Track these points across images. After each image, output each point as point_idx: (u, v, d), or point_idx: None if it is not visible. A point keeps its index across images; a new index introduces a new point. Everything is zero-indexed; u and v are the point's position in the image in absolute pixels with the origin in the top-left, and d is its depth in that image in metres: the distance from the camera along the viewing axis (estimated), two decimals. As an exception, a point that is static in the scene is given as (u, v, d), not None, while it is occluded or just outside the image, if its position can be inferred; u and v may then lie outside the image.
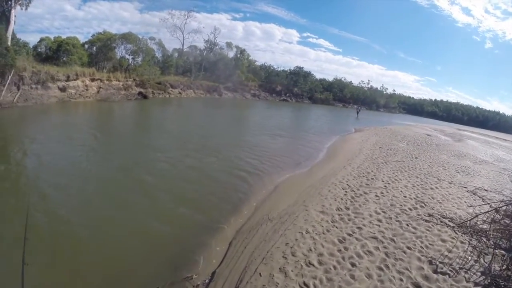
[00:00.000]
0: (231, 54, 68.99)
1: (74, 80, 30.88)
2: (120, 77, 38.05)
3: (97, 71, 35.97)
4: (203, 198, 10.23)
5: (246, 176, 12.81)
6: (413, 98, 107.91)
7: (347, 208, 9.67)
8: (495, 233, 8.86)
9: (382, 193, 11.31)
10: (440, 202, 10.98)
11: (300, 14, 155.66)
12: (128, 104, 32.91)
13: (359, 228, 8.35)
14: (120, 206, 9.01)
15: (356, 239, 7.75)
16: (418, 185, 12.78)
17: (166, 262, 6.66)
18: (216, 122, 28.59)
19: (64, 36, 41.27)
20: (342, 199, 10.47)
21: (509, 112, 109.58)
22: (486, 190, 13.44)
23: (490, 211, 9.89)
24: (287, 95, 74.05)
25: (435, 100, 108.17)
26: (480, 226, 9.14)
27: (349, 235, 7.93)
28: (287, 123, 33.82)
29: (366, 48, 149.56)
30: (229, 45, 69.50)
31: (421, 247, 7.67)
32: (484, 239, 8.52)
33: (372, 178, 13.12)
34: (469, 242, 8.25)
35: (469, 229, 8.94)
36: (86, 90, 32.08)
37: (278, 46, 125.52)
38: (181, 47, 64.31)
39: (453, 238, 8.36)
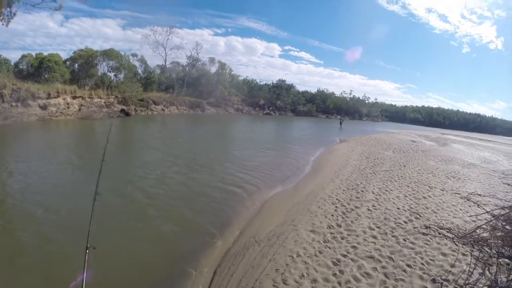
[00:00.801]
0: (213, 69, 69.06)
1: (55, 97, 30.31)
2: (102, 94, 37.43)
3: (78, 88, 35.48)
4: (191, 218, 9.58)
5: (234, 193, 12.21)
6: (395, 105, 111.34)
7: (339, 225, 9.02)
8: (496, 241, 8.33)
9: (374, 206, 10.72)
10: (435, 212, 10.43)
11: (281, 28, 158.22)
12: (109, 122, 31.72)
13: (354, 247, 7.69)
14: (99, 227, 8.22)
15: (352, 260, 7.09)
16: (410, 195, 12.24)
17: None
18: (202, 137, 27.73)
19: (46, 53, 40.93)
20: (332, 215, 9.82)
21: (489, 113, 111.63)
22: (480, 195, 13.00)
23: (491, 220, 9.40)
24: (270, 108, 74.22)
25: (417, 106, 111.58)
26: (480, 234, 8.57)
27: (344, 255, 7.26)
28: (271, 136, 33.16)
29: (346, 59, 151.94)
30: (212, 60, 69.20)
31: (422, 263, 7.06)
32: (486, 249, 7.97)
33: (362, 191, 12.54)
34: (471, 253, 7.68)
35: (469, 239, 8.38)
36: (68, 108, 31.36)
37: (260, 60, 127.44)
38: (164, 63, 64.03)
39: (454, 250, 7.77)
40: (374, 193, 12.24)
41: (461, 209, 10.94)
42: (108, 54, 44.37)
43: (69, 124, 27.88)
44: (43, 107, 28.37)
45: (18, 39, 78.83)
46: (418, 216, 9.91)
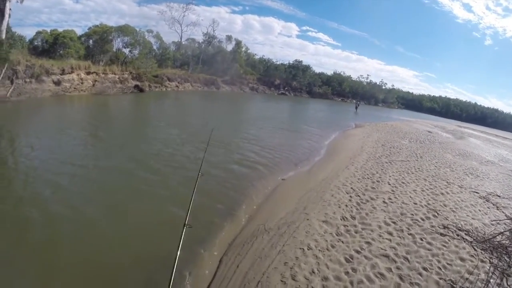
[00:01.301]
0: (230, 47, 67.70)
1: (69, 73, 29.63)
2: (116, 70, 36.79)
3: (93, 64, 34.78)
4: (200, 200, 9.19)
5: (246, 175, 11.93)
6: (412, 93, 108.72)
7: (353, 218, 8.68)
8: (516, 250, 7.94)
9: (390, 198, 10.34)
10: (453, 211, 10.02)
11: (300, 7, 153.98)
12: (124, 97, 31.50)
13: (368, 243, 7.36)
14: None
15: (365, 257, 6.77)
16: (427, 190, 11.82)
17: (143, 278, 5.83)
18: (217, 115, 27.35)
19: (61, 30, 40.08)
20: (347, 205, 9.47)
21: (507, 110, 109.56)
22: (499, 196, 12.54)
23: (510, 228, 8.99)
24: (286, 88, 73.01)
25: (434, 96, 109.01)
26: (500, 241, 8.17)
27: (357, 252, 6.94)
28: (286, 117, 32.74)
29: (365, 42, 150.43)
30: (228, 38, 68.09)
31: (439, 267, 6.73)
32: (506, 257, 7.59)
33: (377, 181, 12.14)
34: (489, 260, 7.32)
35: (488, 245, 8.00)
36: (82, 83, 30.80)
37: (277, 39, 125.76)
38: (179, 40, 62.89)
39: (472, 256, 7.42)
40: (390, 185, 11.84)
41: (480, 210, 10.51)
42: (123, 30, 43.61)
43: (83, 100, 27.53)
44: (57, 83, 27.83)
45: (34, 16, 78.80)
46: (436, 214, 9.52)
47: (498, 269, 7.05)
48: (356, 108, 53.00)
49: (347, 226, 8.13)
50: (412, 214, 9.26)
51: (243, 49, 70.36)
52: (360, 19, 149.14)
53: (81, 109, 23.93)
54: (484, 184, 14.12)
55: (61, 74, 28.54)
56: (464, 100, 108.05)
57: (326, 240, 7.31)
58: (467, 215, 9.86)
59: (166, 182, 10.17)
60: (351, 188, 11.04)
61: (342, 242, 7.31)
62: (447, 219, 9.26)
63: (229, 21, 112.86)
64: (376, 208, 9.47)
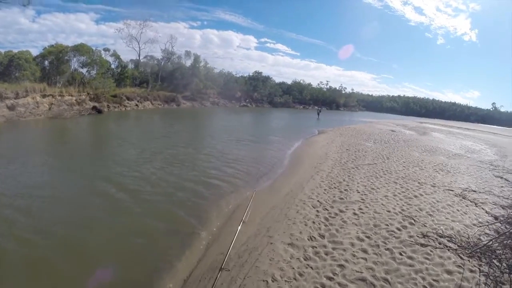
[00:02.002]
0: (189, 62, 66.19)
1: (24, 97, 28.32)
2: (73, 92, 35.35)
3: (49, 86, 33.45)
4: (154, 227, 8.34)
5: (205, 194, 10.92)
6: (371, 95, 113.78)
7: (322, 236, 7.55)
8: (505, 252, 7.04)
9: (360, 209, 9.31)
10: (430, 215, 9.09)
11: (257, 20, 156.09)
12: (82, 120, 29.60)
13: (341, 266, 6.23)
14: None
15: (339, 284, 5.65)
16: (399, 194, 10.89)
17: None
18: (177, 133, 25.61)
19: (16, 51, 38.98)
20: (314, 222, 8.35)
21: (463, 102, 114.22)
22: (475, 191, 11.79)
23: (493, 223, 8.19)
24: (247, 100, 72.90)
25: (393, 96, 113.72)
26: (487, 244, 7.26)
27: (330, 279, 5.82)
28: (248, 129, 31.42)
29: (323, 50, 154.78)
30: (187, 53, 66.31)
31: (424, 286, 5.68)
32: (496, 262, 6.66)
33: (345, 189, 11.13)
34: (479, 269, 6.38)
35: (475, 250, 7.07)
36: (37, 107, 29.16)
37: (236, 52, 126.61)
38: (138, 58, 61.23)
39: (459, 266, 6.45)
40: (359, 192, 10.84)
41: (458, 210, 9.64)
42: (79, 49, 42.00)
43: (38, 125, 25.44)
44: (11, 108, 26.36)
45: None
46: (413, 221, 8.53)
47: (490, 277, 6.14)
48: (318, 114, 52.77)
49: (316, 247, 6.99)
50: (387, 225, 8.24)
51: (202, 63, 69.15)
52: (317, 28, 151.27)
53: (35, 135, 21.91)
54: (457, 180, 13.41)
55: (15, 98, 27.08)
56: (422, 97, 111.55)
57: (293, 268, 6.14)
58: (446, 218, 8.94)
59: (125, 208, 9.43)
60: (318, 201, 9.94)
61: (312, 268, 6.16)
62: (425, 226, 8.30)
63: (188, 37, 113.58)
64: (346, 222, 8.39)
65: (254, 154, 17.87)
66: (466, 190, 11.76)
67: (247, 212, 9.33)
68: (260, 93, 76.08)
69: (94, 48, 45.05)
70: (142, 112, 42.92)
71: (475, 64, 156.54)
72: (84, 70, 43.20)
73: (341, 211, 9.15)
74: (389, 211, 9.16)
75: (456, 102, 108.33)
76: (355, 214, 8.92)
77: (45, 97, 30.93)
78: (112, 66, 51.75)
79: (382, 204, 9.70)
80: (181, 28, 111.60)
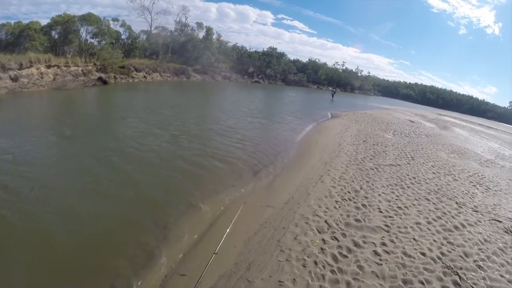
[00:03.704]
0: (201, 35, 62.81)
1: (28, 68, 26.59)
2: (79, 62, 33.36)
3: (58, 56, 32.09)
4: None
5: (179, 200, 8.32)
6: (388, 80, 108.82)
7: (326, 295, 4.99)
8: None
9: (384, 244, 6.68)
10: (480, 267, 6.46)
11: None
12: (86, 91, 28.07)
13: None
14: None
15: None
16: (435, 220, 8.19)
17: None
18: (185, 106, 23.53)
19: (27, 21, 38.36)
20: (316, 263, 5.83)
21: (480, 97, 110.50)
22: (528, 226, 9.03)
23: None
24: (260, 76, 69.40)
25: (410, 83, 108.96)
26: None
27: None
28: (258, 108, 28.23)
29: (340, 30, 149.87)
30: (199, 25, 62.88)
31: None
32: None
33: (363, 205, 8.48)
34: None
35: None
36: (41, 78, 27.53)
37: (252, 28, 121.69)
38: (149, 29, 58.11)
39: None
40: (381, 212, 8.19)
41: (515, 260, 6.98)
42: (86, 19, 39.87)
43: (41, 96, 23.97)
44: (14, 79, 24.80)
45: (2, 7, 70.41)
46: (458, 280, 5.91)
47: None
48: (333, 95, 50.03)
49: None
50: (422, 283, 5.62)
51: (215, 36, 65.90)
52: (336, 7, 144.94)
53: (34, 107, 20.03)
54: (501, 203, 10.62)
55: (18, 69, 25.63)
56: (439, 87, 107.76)
57: None
58: (501, 276, 6.29)
59: (129, 181, 8.94)
60: (326, 221, 7.34)
61: None
62: (475, 287, 5.68)
63: (204, 10, 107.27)
64: (363, 268, 5.82)
65: (259, 137, 15.47)
66: (518, 224, 9.03)
67: (230, 228, 6.76)
68: (273, 69, 72.43)
69: (102, 18, 43.27)
70: (150, 84, 40.82)
71: (495, 59, 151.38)
72: (94, 41, 41.62)
73: (356, 245, 6.54)
74: (423, 254, 6.51)
75: (474, 96, 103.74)
76: (376, 254, 6.30)
77: (50, 68, 29.14)
78: (123, 37, 49.91)
79: (414, 239, 7.03)
80: (197, 1, 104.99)
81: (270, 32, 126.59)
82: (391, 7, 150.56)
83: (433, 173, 12.70)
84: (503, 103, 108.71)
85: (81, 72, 32.77)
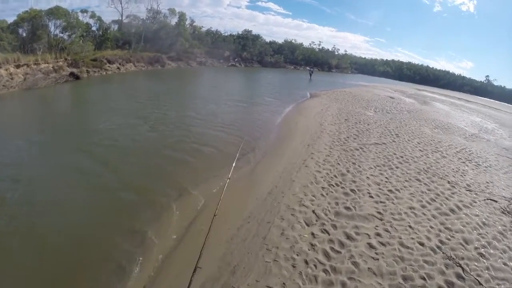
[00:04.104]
0: (174, 21, 60.81)
1: None
2: (49, 59, 31.39)
3: (27, 54, 30.06)
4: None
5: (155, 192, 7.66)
6: (365, 58, 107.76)
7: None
8: None
9: (378, 235, 6.07)
10: (482, 255, 5.95)
11: None
12: (57, 88, 26.14)
13: None
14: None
15: None
16: (429, 203, 7.64)
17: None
18: (162, 94, 22.13)
19: None
20: (307, 262, 5.19)
21: (457, 71, 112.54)
22: (524, 204, 8.58)
23: None
24: (236, 60, 67.81)
25: (387, 60, 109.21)
26: None
27: None
28: (235, 91, 27.17)
29: (316, 10, 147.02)
30: (172, 11, 60.27)
31: None
32: None
33: (352, 190, 7.84)
34: None
35: None
36: (11, 79, 25.53)
37: (226, 11, 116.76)
38: (120, 18, 55.25)
39: None
40: (372, 197, 7.57)
41: (516, 242, 6.49)
42: (54, 12, 37.34)
43: (10, 98, 21.71)
44: None
45: None
46: (461, 271, 5.37)
47: None
48: (310, 75, 49.31)
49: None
50: (424, 278, 5.05)
51: (188, 22, 63.39)
52: None
53: (9, 109, 18.34)
54: (494, 180, 10.20)
55: None
56: (416, 63, 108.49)
57: None
58: (505, 263, 5.80)
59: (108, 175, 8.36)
60: (313, 211, 6.67)
61: None
62: (479, 277, 5.16)
63: None
64: (359, 265, 5.20)
65: (238, 122, 14.57)
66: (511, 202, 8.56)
67: (211, 226, 6.00)
68: (249, 52, 71.04)
69: (70, 11, 40.93)
70: (125, 75, 39.03)
71: (470, 35, 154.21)
72: (64, 35, 39.14)
73: (349, 237, 5.90)
74: (422, 244, 5.93)
75: (450, 71, 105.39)
76: (371, 247, 5.68)
77: (19, 68, 27.30)
78: (94, 29, 47.41)
79: (410, 227, 6.44)
80: None
81: (244, 15, 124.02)
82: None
83: (420, 150, 12.21)
84: (479, 77, 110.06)
85: (52, 69, 30.68)
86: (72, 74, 31.34)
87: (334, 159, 9.93)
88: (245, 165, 9.49)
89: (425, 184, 8.78)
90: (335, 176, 8.60)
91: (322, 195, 7.43)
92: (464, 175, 10.12)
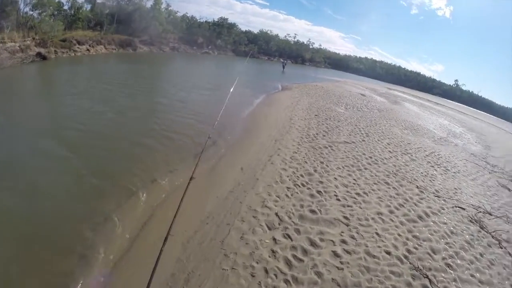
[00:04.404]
0: (150, 4, 59.01)
1: None
2: (16, 38, 29.90)
3: None
4: None
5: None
6: (338, 54, 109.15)
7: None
8: None
9: (344, 242, 5.69)
10: (449, 266, 5.73)
11: None
12: (23, 68, 24.59)
13: None
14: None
15: None
16: (397, 209, 7.35)
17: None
18: (132, 80, 20.69)
19: None
20: (267, 271, 4.76)
21: (427, 73, 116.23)
22: (490, 214, 8.44)
23: None
24: (210, 47, 66.91)
25: (360, 57, 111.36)
26: None
27: None
28: (204, 78, 26.35)
29: (293, 2, 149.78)
30: None
31: None
32: None
33: (318, 191, 7.44)
34: None
35: None
36: None
37: None
38: None
39: None
40: (339, 200, 7.20)
41: (482, 256, 6.36)
42: None
43: None
44: None
45: None
46: (428, 283, 5.11)
47: None
48: (283, 67, 48.70)
49: None
50: (389, 289, 4.71)
51: (163, 6, 61.61)
52: None
53: None
54: (461, 187, 10.11)
55: None
56: (389, 62, 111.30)
57: None
58: (471, 275, 5.59)
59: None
60: (276, 213, 6.22)
61: None
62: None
63: None
64: (322, 275, 4.81)
65: (203, 111, 13.77)
66: (480, 211, 8.41)
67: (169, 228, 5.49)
68: (224, 40, 70.34)
69: None
70: (94, 57, 37.43)
71: (444, 40, 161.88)
72: (34, 13, 37.33)
73: (313, 243, 5.50)
74: (389, 253, 5.60)
75: (421, 73, 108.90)
76: (336, 255, 5.29)
77: None
78: (66, 8, 45.12)
79: (377, 234, 6.10)
80: None
81: (222, 3, 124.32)
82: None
83: (390, 152, 12.01)
84: (449, 81, 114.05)
85: (18, 48, 29.07)
86: (39, 54, 29.99)
87: (301, 157, 9.53)
88: (208, 159, 8.93)
89: (393, 188, 8.51)
90: (302, 175, 8.18)
91: (287, 196, 7.00)
92: (433, 180, 9.97)
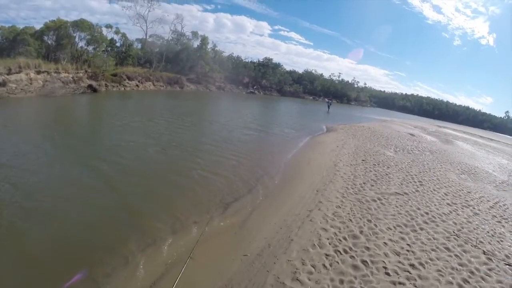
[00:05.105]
0: (197, 44, 62.19)
1: (17, 73, 26.24)
2: (69, 69, 32.99)
3: (50, 62, 32.52)
4: None
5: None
6: (384, 91, 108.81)
7: None
8: None
9: None
10: None
11: (272, 7, 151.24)
12: (74, 98, 27.44)
13: None
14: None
15: None
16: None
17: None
18: (179, 117, 21.70)
19: (22, 26, 39.38)
20: None
21: (476, 107, 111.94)
22: None
23: None
24: (255, 87, 68.74)
25: (406, 94, 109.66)
26: None
27: None
28: (250, 120, 26.17)
29: (337, 41, 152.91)
30: (194, 34, 62.45)
31: None
32: None
33: (364, 261, 6.21)
34: None
35: None
36: (30, 84, 27.12)
37: (249, 38, 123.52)
38: (144, 37, 57.70)
39: None
40: (389, 275, 5.89)
41: None
42: (79, 25, 39.66)
43: (27, 102, 23.25)
44: (2, 84, 24.40)
45: (1, 11, 70.74)
46: None
47: None
48: (329, 107, 48.38)
49: None
50: None
51: (210, 45, 64.99)
52: (332, 19, 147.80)
53: (24, 113, 19.36)
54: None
55: (7, 74, 25.34)
56: (436, 98, 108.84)
57: None
58: None
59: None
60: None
61: None
62: None
63: (201, 20, 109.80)
64: None
65: (239, 159, 13.13)
66: None
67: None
68: (269, 80, 71.51)
69: (94, 25, 43.22)
70: (143, 93, 40.15)
71: (490, 69, 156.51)
72: (89, 48, 42.07)
73: None
74: None
75: (470, 107, 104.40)
76: None
77: (39, 74, 28.79)
78: (118, 44, 49.33)
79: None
80: (194, 11, 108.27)
81: (267, 43, 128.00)
82: (387, 19, 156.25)
83: (448, 204, 10.46)
84: (499, 113, 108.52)
85: (71, 79, 32.07)
86: (90, 86, 32.93)
87: (345, 213, 8.36)
88: (241, 209, 8.08)
89: (455, 255, 7.04)
90: (345, 238, 7.00)
91: (325, 266, 5.86)
92: (502, 241, 8.34)
